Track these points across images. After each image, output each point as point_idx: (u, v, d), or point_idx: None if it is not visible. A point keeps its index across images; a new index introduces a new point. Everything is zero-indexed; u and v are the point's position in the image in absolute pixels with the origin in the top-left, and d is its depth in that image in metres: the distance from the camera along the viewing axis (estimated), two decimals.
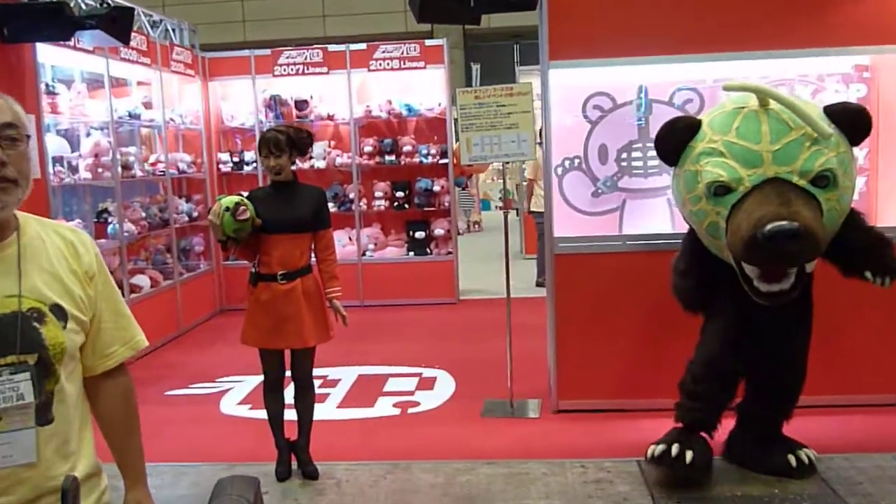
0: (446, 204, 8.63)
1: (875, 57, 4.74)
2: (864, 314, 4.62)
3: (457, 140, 5.39)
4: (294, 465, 4.11)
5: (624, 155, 4.83)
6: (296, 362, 4.05)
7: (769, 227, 3.16)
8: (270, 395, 4.10)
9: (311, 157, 8.43)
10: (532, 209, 9.22)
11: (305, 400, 4.11)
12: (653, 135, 4.73)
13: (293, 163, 3.98)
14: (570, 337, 4.80)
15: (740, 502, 3.55)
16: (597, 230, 4.82)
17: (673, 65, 4.64)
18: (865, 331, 4.64)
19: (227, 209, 3.72)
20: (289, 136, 3.91)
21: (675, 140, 3.68)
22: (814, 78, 4.82)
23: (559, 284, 4.77)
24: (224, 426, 5.01)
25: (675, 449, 3.67)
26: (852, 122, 3.49)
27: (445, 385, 5.61)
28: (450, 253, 8.62)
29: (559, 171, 4.88)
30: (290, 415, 4.15)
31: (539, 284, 8.28)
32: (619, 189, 4.85)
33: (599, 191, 4.86)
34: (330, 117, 8.64)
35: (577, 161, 4.89)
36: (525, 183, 12.01)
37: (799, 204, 3.26)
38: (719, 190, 3.44)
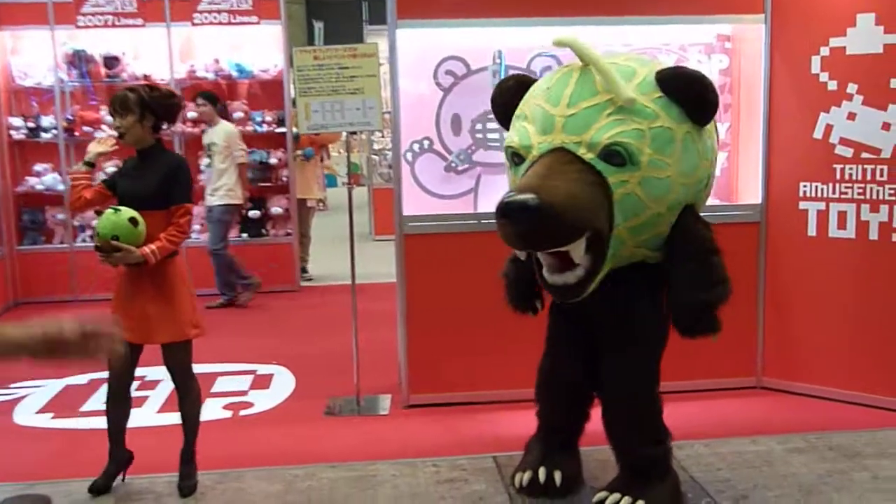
0: (284, 179, 8.57)
1: (737, 27, 5.10)
2: None
3: (295, 106, 5.35)
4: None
5: (479, 126, 4.97)
6: (165, 359, 3.95)
7: (502, 198, 3.05)
8: (111, 397, 3.98)
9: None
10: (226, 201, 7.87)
11: (185, 402, 4.02)
12: None
13: (157, 128, 3.87)
14: (421, 326, 4.90)
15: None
16: (449, 210, 4.94)
17: (531, 28, 4.79)
18: (723, 315, 4.99)
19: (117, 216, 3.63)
20: (140, 96, 3.79)
21: (503, 100, 3.58)
22: (676, 47, 5.13)
23: (409, 268, 4.86)
24: (20, 439, 4.78)
25: (542, 474, 3.70)
26: (684, 91, 3.20)
27: (283, 383, 5.60)
28: (289, 234, 8.57)
29: (409, 156, 4.98)
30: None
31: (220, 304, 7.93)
32: (473, 163, 4.98)
33: (452, 164, 4.98)
34: (146, 78, 8.30)
35: (426, 143, 5.01)
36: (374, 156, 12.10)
37: (562, 179, 3.10)
38: (515, 158, 3.39)
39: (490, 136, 4.97)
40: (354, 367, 5.07)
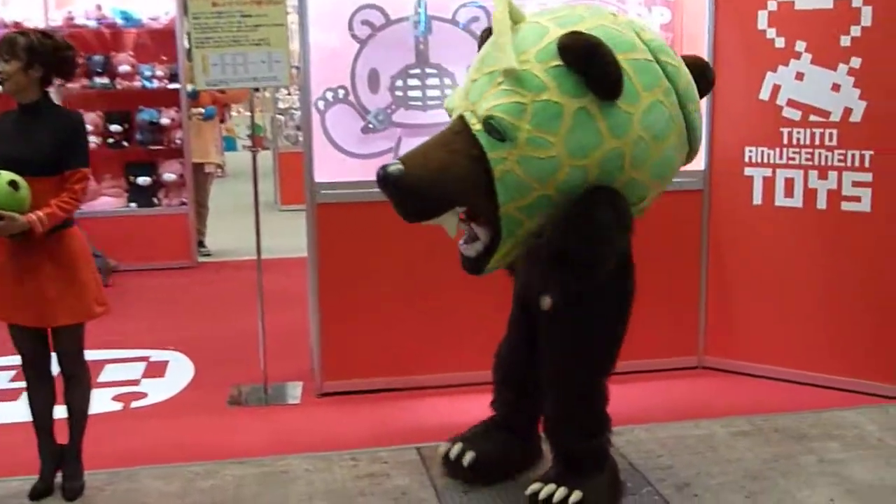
0: (178, 141, 8.40)
1: None
2: (660, 273, 5.03)
3: (190, 59, 5.21)
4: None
5: (399, 83, 4.89)
6: (55, 342, 3.81)
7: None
8: (30, 385, 3.86)
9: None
10: None
11: (73, 392, 3.88)
12: (433, 58, 4.85)
13: (47, 81, 3.68)
14: (336, 305, 4.84)
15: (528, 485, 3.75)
16: (368, 176, 4.86)
17: None
18: (663, 290, 5.07)
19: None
20: (30, 41, 3.58)
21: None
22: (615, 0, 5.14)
23: (322, 241, 4.78)
24: None
25: (454, 451, 3.77)
26: (580, 62, 3.06)
27: (181, 370, 5.51)
28: (184, 203, 8.42)
29: (321, 104, 4.86)
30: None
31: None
32: (393, 124, 4.91)
33: (370, 126, 4.90)
34: (17, 25, 7.99)
35: (342, 92, 4.89)
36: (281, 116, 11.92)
37: (444, 149, 3.19)
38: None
39: (411, 94, 4.89)
40: (261, 352, 5.00)
